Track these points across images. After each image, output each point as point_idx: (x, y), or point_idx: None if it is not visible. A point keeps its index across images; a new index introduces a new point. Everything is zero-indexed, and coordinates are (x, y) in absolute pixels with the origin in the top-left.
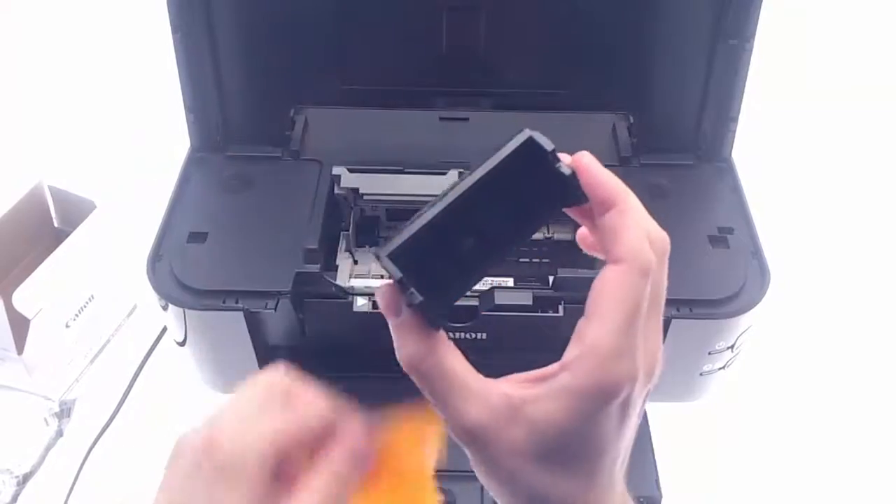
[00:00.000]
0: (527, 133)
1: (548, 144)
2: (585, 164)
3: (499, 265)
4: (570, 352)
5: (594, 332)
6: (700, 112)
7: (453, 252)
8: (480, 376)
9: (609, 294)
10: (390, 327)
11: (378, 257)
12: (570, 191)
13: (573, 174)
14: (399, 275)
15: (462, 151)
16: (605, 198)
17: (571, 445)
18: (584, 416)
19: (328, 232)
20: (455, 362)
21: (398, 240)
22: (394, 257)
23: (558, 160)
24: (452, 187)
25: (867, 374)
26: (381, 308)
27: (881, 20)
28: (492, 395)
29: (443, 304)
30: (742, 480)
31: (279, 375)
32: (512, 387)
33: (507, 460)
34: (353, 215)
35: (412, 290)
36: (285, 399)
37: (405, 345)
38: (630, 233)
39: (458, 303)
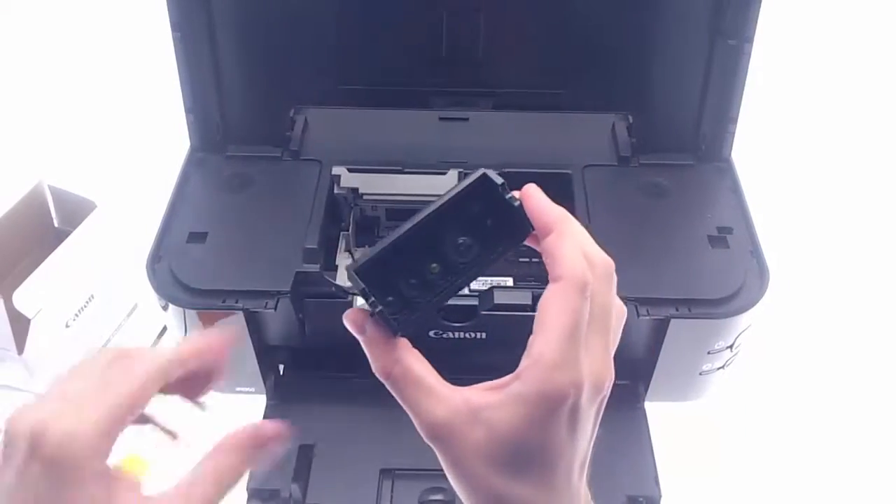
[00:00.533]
0: (481, 171)
1: (498, 179)
2: (529, 194)
3: (461, 289)
4: (522, 363)
5: (538, 344)
6: (700, 112)
7: (419, 274)
8: (446, 382)
9: (550, 310)
10: (361, 345)
11: (347, 273)
12: (519, 221)
13: (520, 205)
14: (361, 286)
15: (462, 151)
16: (545, 223)
17: (525, 450)
18: (533, 422)
19: (328, 232)
20: (422, 369)
21: (363, 257)
22: (360, 272)
23: (508, 192)
24: (417, 214)
25: (866, 374)
26: (349, 327)
27: (881, 20)
28: (455, 399)
29: (407, 320)
30: (741, 479)
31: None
32: (474, 393)
33: (469, 461)
34: (352, 215)
35: (373, 299)
36: (119, 365)
37: (374, 356)
38: (567, 253)
39: (459, 302)
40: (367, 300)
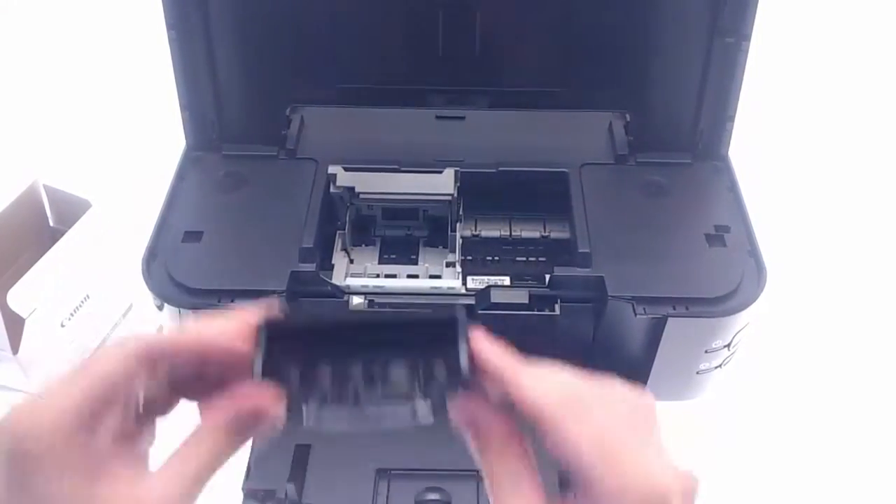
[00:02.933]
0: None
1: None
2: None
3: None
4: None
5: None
6: (697, 110)
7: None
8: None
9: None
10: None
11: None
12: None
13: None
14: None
15: (458, 150)
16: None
17: None
18: None
19: (324, 231)
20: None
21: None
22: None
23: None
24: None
25: (864, 372)
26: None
27: (880, 19)
28: None
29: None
30: (739, 478)
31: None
32: None
33: None
34: (348, 214)
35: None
36: (100, 352)
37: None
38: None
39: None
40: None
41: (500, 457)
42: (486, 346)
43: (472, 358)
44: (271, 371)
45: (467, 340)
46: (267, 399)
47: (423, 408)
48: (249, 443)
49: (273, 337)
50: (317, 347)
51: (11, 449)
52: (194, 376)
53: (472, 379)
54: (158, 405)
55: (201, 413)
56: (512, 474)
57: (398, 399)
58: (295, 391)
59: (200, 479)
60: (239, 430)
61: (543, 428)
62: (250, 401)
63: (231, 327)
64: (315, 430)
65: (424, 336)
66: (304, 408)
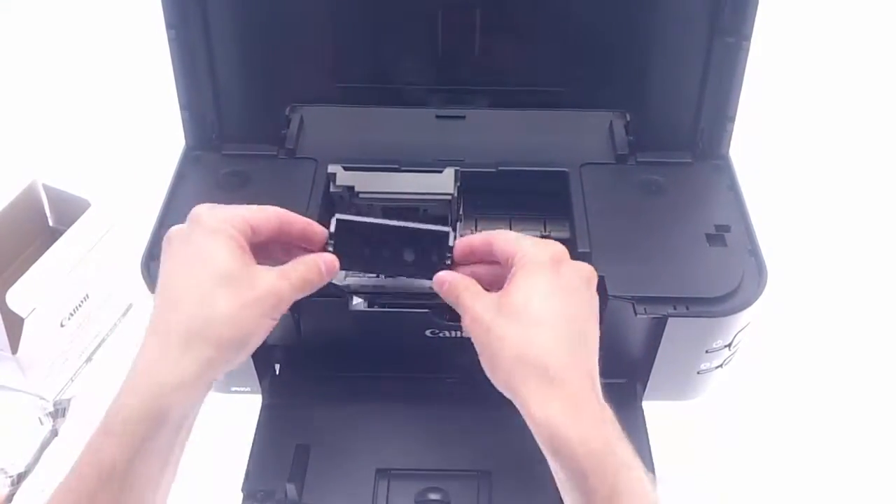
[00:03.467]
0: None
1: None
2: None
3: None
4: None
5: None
6: (697, 110)
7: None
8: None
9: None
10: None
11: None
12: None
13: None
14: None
15: (459, 149)
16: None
17: (527, 305)
18: (529, 280)
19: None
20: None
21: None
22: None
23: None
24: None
25: (865, 372)
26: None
27: (880, 17)
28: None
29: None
30: (739, 479)
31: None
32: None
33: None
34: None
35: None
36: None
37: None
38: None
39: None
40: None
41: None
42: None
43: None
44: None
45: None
46: (332, 260)
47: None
48: (249, 443)
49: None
50: (364, 237)
51: (206, 228)
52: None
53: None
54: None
55: (294, 256)
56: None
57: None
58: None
59: (294, 290)
60: (318, 273)
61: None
62: (325, 257)
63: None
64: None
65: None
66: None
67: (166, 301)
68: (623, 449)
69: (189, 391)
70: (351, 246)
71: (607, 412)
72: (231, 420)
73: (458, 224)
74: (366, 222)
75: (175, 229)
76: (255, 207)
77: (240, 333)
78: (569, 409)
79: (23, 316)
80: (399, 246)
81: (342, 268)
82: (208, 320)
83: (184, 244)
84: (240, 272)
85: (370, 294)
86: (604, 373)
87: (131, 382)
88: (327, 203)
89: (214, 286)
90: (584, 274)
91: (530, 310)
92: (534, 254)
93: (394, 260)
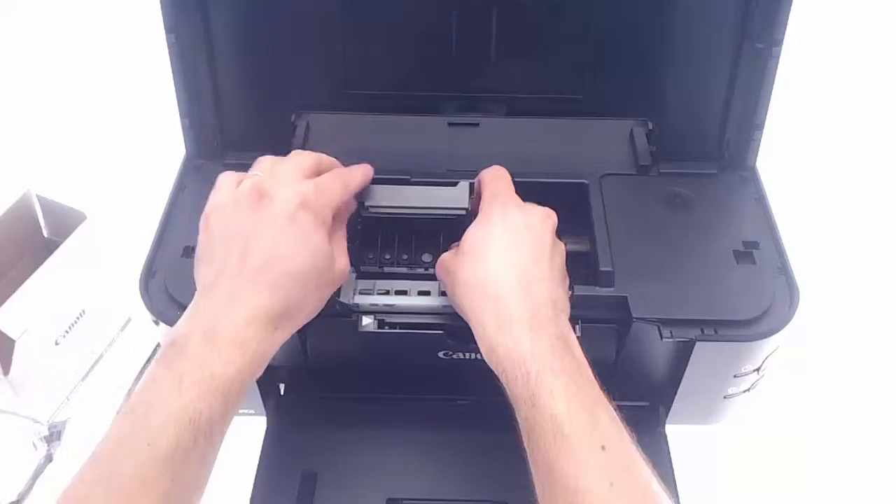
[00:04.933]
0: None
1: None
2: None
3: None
4: None
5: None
6: (723, 118)
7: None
8: None
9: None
10: None
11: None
12: None
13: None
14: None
15: (472, 159)
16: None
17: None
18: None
19: None
20: None
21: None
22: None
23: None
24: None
25: None
26: None
27: None
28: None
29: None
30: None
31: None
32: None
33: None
34: (357, 228)
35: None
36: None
37: None
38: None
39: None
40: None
41: None
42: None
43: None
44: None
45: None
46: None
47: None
48: (252, 469)
49: None
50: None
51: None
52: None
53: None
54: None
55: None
56: None
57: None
58: None
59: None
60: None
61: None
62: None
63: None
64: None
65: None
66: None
67: (259, 268)
68: (561, 359)
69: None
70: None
71: (556, 329)
72: (234, 444)
73: None
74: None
75: (274, 193)
76: (349, 179)
77: (311, 317)
78: (501, 322)
79: (13, 338)
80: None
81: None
82: (300, 304)
83: (288, 220)
84: (327, 263)
85: (380, 313)
86: (625, 395)
87: (221, 337)
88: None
89: (310, 275)
90: (532, 221)
91: (476, 249)
92: (487, 204)
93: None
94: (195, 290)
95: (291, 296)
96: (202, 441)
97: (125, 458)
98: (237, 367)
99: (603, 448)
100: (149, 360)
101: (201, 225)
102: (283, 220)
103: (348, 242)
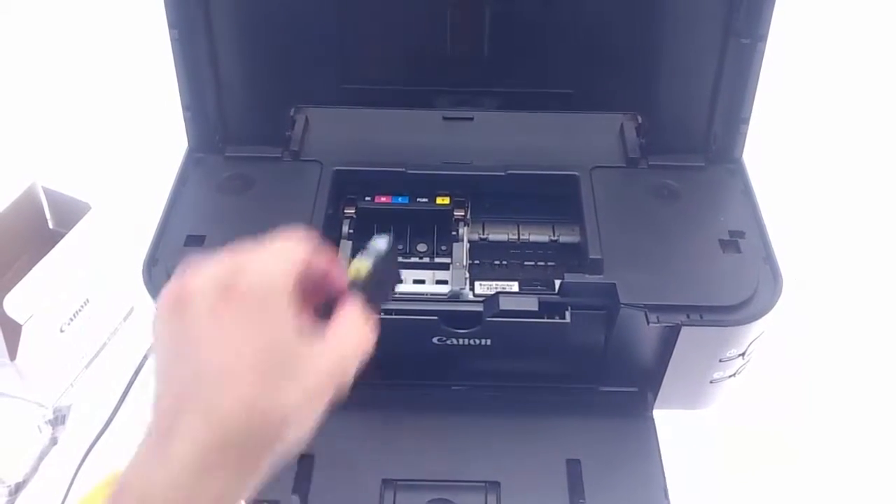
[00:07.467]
0: None
1: None
2: None
3: None
4: None
5: None
6: (711, 112)
7: None
8: None
9: None
10: None
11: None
12: None
13: None
14: None
15: (466, 152)
16: None
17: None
18: None
19: (330, 234)
20: None
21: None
22: None
23: None
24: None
25: (882, 382)
26: None
27: None
28: None
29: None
30: (752, 489)
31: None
32: None
33: None
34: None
35: None
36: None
37: None
38: None
39: (464, 308)
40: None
41: None
42: None
43: None
44: None
45: None
46: None
47: None
48: None
49: None
50: None
51: (249, 286)
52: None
53: None
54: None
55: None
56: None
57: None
58: None
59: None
60: None
61: None
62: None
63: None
64: None
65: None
66: None
67: (201, 383)
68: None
69: None
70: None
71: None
72: None
73: (466, 228)
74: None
75: (197, 287)
76: (301, 253)
77: (305, 433)
78: None
79: (21, 322)
80: None
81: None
82: (266, 428)
83: (212, 313)
84: (306, 351)
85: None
86: (614, 380)
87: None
88: (333, 206)
89: (277, 380)
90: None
91: None
92: None
93: None
94: None
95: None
96: None
97: None
98: None
99: None
100: (151, 350)
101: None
102: (206, 306)
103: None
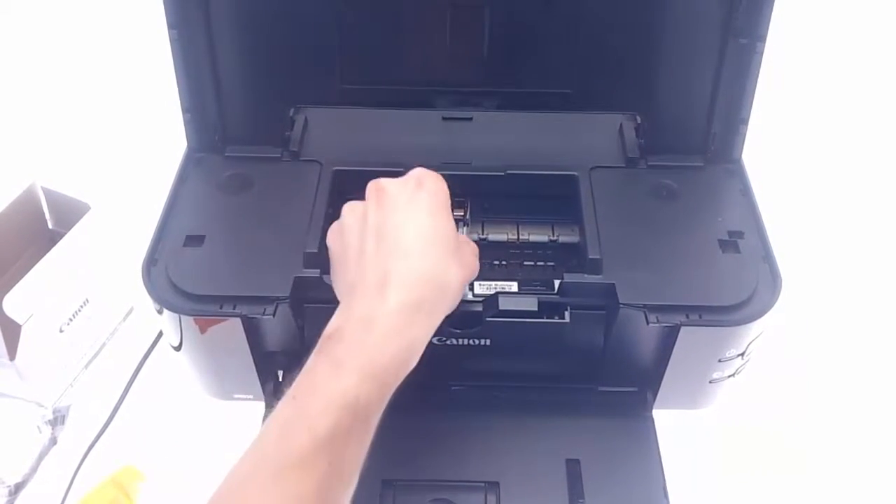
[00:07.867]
0: None
1: None
2: None
3: None
4: None
5: None
6: (710, 112)
7: None
8: None
9: None
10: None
11: None
12: None
13: None
14: None
15: (466, 152)
16: None
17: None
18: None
19: None
20: None
21: None
22: None
23: None
24: None
25: (882, 383)
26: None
27: None
28: None
29: None
30: (751, 489)
31: None
32: None
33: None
34: None
35: None
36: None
37: None
38: None
39: (463, 308)
40: None
41: None
42: None
43: None
44: None
45: None
46: None
47: None
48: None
49: None
50: None
51: (433, 190)
52: None
53: None
54: None
55: None
56: None
57: None
58: None
59: None
60: None
61: None
62: None
63: None
64: None
65: None
66: None
67: (408, 257)
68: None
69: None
70: None
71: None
72: (233, 428)
73: (465, 228)
74: None
75: (399, 186)
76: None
77: (457, 301)
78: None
79: (20, 322)
80: None
81: None
82: (444, 291)
83: (419, 210)
84: (463, 247)
85: None
86: (614, 380)
87: (378, 324)
88: (333, 206)
89: (449, 258)
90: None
91: None
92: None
93: None
94: (196, 279)
95: (435, 283)
96: (359, 425)
97: (286, 442)
98: (392, 353)
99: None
100: (150, 351)
101: (334, 236)
102: (410, 201)
103: None
